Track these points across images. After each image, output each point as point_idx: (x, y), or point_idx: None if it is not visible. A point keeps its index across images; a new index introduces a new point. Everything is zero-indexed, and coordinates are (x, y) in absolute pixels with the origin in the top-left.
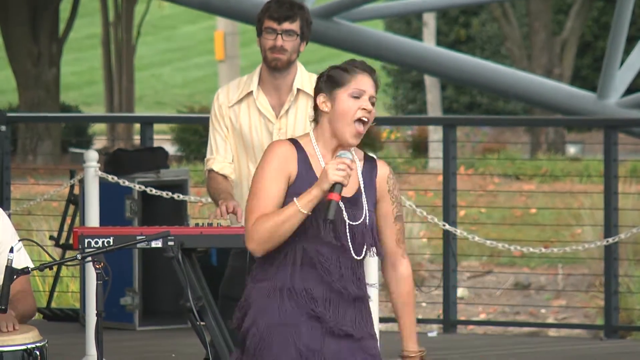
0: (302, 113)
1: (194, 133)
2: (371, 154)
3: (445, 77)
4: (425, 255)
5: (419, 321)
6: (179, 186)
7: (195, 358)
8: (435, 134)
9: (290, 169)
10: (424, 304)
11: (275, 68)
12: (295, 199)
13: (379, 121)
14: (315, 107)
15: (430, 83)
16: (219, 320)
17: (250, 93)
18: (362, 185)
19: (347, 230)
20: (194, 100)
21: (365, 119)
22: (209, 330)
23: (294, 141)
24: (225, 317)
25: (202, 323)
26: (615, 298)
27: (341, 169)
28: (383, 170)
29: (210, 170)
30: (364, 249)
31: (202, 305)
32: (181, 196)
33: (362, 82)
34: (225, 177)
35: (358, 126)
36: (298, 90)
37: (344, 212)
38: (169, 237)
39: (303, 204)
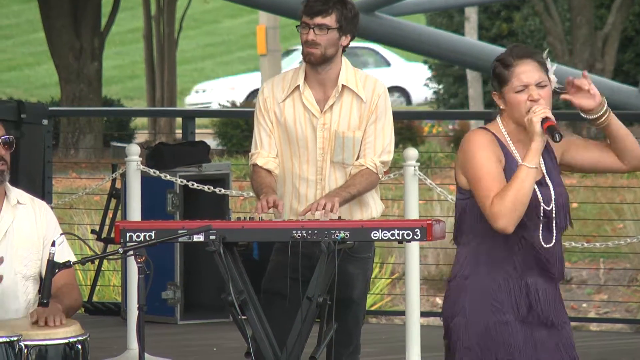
0: (346, 109)
1: (236, 127)
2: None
3: (487, 71)
4: None
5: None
6: (221, 180)
7: (237, 352)
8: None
9: (498, 154)
10: None
11: (310, 62)
12: (519, 163)
13: (421, 115)
14: (494, 104)
15: (472, 77)
16: (260, 315)
17: (297, 87)
18: (545, 172)
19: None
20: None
21: (538, 106)
22: (250, 325)
23: (487, 129)
24: (266, 311)
25: (243, 317)
26: None
27: (539, 110)
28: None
29: (255, 165)
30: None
31: (244, 299)
32: (223, 190)
33: (523, 74)
34: (269, 171)
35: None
36: (343, 86)
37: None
38: (211, 231)
39: (529, 160)
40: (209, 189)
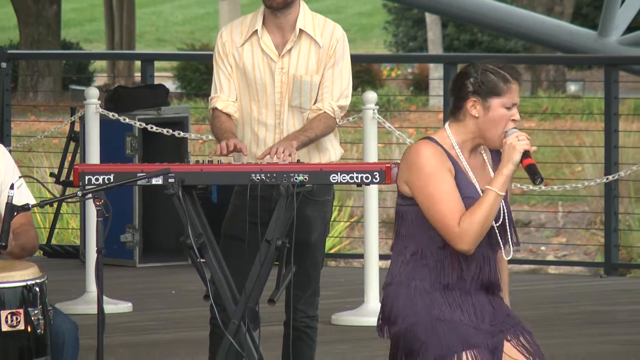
0: (304, 53)
1: (195, 70)
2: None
3: (446, 14)
4: None
5: None
6: (180, 123)
7: (195, 295)
8: (435, 71)
9: (449, 166)
10: None
11: (272, 7)
12: (487, 186)
13: (380, 59)
14: (458, 106)
15: (431, 21)
16: (219, 258)
17: (255, 32)
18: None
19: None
20: (195, 38)
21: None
22: (209, 268)
23: (432, 140)
24: (225, 254)
25: (202, 260)
26: (615, 236)
27: (522, 139)
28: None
29: (214, 109)
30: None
31: (203, 243)
32: (182, 133)
33: (515, 93)
34: (229, 115)
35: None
36: (301, 30)
37: None
38: (170, 174)
39: (499, 187)
40: (167, 132)
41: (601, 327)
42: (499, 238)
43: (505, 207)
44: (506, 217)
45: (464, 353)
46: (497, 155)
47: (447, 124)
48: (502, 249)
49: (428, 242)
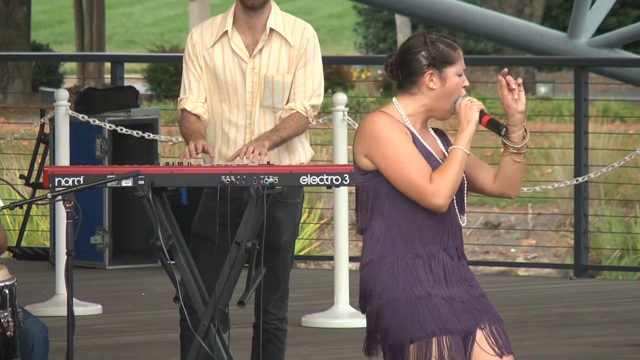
0: (275, 53)
1: (165, 72)
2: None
3: (416, 16)
4: None
5: None
6: (150, 125)
7: (165, 297)
8: None
9: (406, 132)
10: None
11: (252, 7)
12: (453, 145)
13: (350, 60)
14: (412, 81)
15: (401, 22)
16: (189, 259)
17: (226, 33)
18: (446, 154)
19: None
20: (165, 39)
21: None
22: (179, 269)
23: (383, 112)
24: (195, 256)
25: (172, 262)
26: (585, 237)
27: (474, 101)
28: (446, 134)
29: (183, 110)
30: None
31: (172, 244)
32: (151, 135)
33: (462, 59)
34: (197, 116)
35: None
36: (271, 30)
37: None
38: (140, 176)
39: (465, 145)
40: (137, 133)
41: (571, 329)
42: (456, 205)
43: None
44: (464, 185)
45: (438, 338)
46: (441, 136)
47: (394, 99)
48: (461, 216)
49: (396, 213)
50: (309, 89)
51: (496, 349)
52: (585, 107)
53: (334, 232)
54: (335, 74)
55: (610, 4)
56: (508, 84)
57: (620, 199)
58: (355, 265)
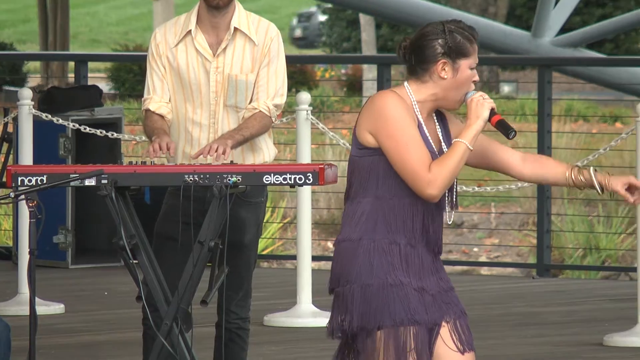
0: (239, 52)
1: (129, 71)
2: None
3: (380, 15)
4: None
5: None
6: (113, 124)
7: (128, 296)
8: (369, 72)
9: (412, 116)
10: None
11: (217, 7)
12: (457, 139)
13: (314, 60)
14: (424, 68)
15: (365, 22)
16: (152, 259)
17: (189, 32)
18: (443, 143)
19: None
20: (129, 39)
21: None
22: (141, 269)
23: (395, 93)
24: (158, 255)
25: (135, 261)
26: (548, 237)
27: (486, 97)
28: (449, 115)
29: (147, 110)
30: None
31: (135, 244)
32: (115, 134)
33: (476, 54)
34: (161, 116)
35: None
36: (235, 29)
37: None
38: (103, 176)
39: (470, 141)
40: (101, 133)
41: (534, 328)
42: (446, 199)
43: None
44: (456, 181)
45: (406, 328)
46: (442, 122)
47: (406, 83)
48: (448, 210)
49: (384, 197)
50: (272, 88)
51: (458, 345)
52: (548, 106)
53: (296, 231)
54: (299, 73)
55: (574, 3)
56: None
57: (582, 198)
58: (318, 265)
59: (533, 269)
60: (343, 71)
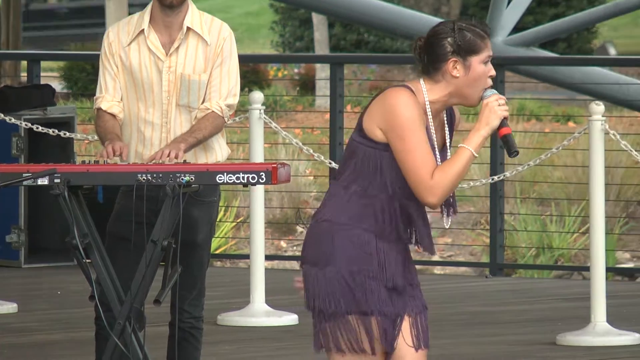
0: (192, 52)
1: (81, 70)
2: None
3: (333, 14)
4: (311, 193)
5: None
6: (66, 123)
7: (81, 295)
8: (322, 71)
9: (423, 118)
10: None
11: (170, 6)
12: (463, 144)
13: (267, 59)
14: (436, 67)
15: (318, 21)
16: (105, 258)
17: (142, 31)
18: (448, 139)
19: None
20: None
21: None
22: (94, 268)
23: (410, 89)
24: (111, 254)
25: (88, 260)
26: (501, 236)
27: (502, 103)
28: (456, 112)
29: (99, 109)
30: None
31: (88, 243)
32: (68, 134)
33: (489, 47)
34: (113, 115)
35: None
36: (188, 28)
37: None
38: (55, 175)
39: (475, 147)
40: (53, 132)
41: (487, 328)
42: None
43: None
44: None
45: (375, 318)
46: (448, 115)
47: (421, 80)
48: (447, 217)
49: (379, 191)
50: (225, 88)
51: (414, 340)
52: None
53: (250, 230)
54: (252, 72)
55: (527, 2)
56: None
57: (536, 197)
58: (271, 264)
59: (486, 269)
60: (296, 70)
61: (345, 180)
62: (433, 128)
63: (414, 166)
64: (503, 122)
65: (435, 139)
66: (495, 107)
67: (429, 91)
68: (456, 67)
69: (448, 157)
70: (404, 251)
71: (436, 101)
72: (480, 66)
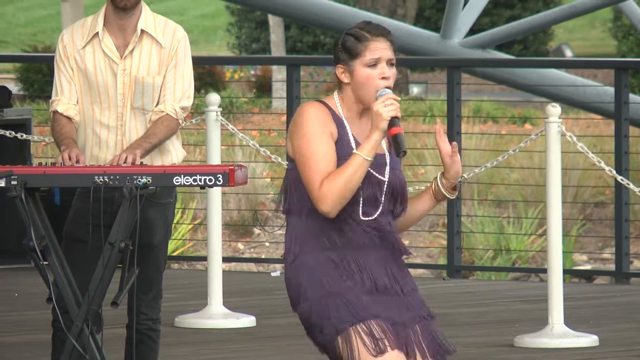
0: (146, 55)
1: (38, 72)
2: None
3: (288, 16)
4: (268, 195)
5: (262, 260)
6: (22, 125)
7: (39, 298)
8: (278, 73)
9: (331, 129)
10: (267, 244)
11: (124, 9)
12: (355, 150)
13: (223, 61)
14: (335, 75)
15: (274, 23)
16: (62, 260)
17: (97, 34)
18: (385, 149)
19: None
20: (37, 40)
21: (387, 86)
22: (52, 270)
23: (323, 102)
24: (68, 256)
25: (45, 262)
26: (458, 238)
27: (390, 104)
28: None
29: (55, 112)
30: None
31: (46, 245)
32: (24, 135)
33: (376, 49)
34: (69, 118)
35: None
36: (142, 31)
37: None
38: (12, 177)
39: (367, 152)
40: (10, 134)
41: (445, 330)
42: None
43: (396, 178)
44: (395, 188)
45: (367, 322)
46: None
47: (335, 92)
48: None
49: (309, 210)
50: (179, 90)
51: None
52: (457, 108)
53: (207, 232)
54: (208, 74)
55: (483, 4)
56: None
57: (493, 199)
58: (229, 266)
59: (443, 271)
60: (252, 72)
61: (295, 207)
62: (357, 133)
63: (307, 175)
64: (394, 122)
65: (353, 142)
66: (381, 110)
67: (341, 102)
68: (344, 73)
69: (400, 165)
70: (388, 256)
71: (351, 109)
72: (364, 69)
